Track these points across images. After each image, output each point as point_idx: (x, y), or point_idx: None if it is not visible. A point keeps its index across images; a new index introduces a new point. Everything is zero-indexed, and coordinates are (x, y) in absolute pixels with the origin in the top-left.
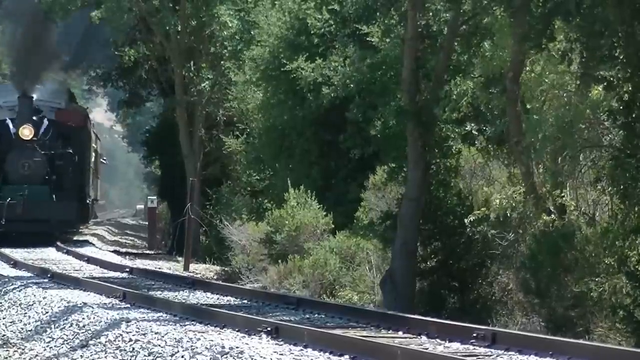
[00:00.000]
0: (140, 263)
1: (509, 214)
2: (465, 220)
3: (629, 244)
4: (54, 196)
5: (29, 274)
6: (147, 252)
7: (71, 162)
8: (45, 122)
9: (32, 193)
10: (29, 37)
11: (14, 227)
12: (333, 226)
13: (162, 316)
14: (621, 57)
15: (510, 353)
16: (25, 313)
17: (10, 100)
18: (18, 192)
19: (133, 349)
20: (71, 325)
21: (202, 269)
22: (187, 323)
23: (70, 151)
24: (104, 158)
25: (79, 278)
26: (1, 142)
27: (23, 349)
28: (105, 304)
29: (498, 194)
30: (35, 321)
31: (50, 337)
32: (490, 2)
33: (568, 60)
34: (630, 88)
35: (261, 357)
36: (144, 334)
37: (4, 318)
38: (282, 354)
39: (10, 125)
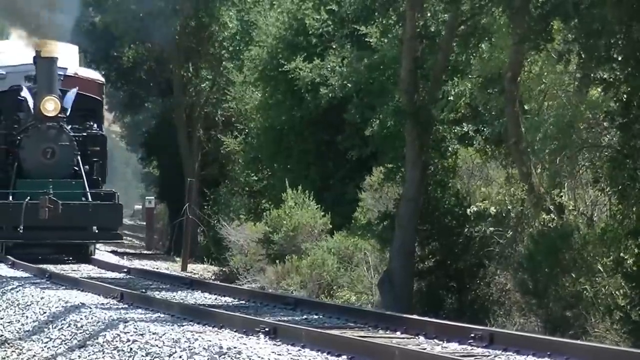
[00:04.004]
0: (138, 263)
1: (509, 208)
2: (468, 211)
3: (627, 244)
4: (89, 194)
5: (27, 274)
6: (145, 252)
7: (105, 148)
8: (74, 91)
9: (61, 190)
10: None
11: (36, 236)
12: (331, 226)
13: (160, 316)
14: (619, 58)
15: (508, 353)
16: (23, 313)
17: (24, 62)
18: (40, 188)
19: (131, 349)
20: (69, 325)
21: (200, 269)
22: (185, 323)
23: (104, 132)
24: None
25: (77, 278)
26: (13, 119)
27: (21, 349)
28: (103, 304)
29: (499, 189)
30: (33, 321)
31: (48, 337)
32: (489, 2)
33: (565, 61)
34: (628, 89)
35: (259, 357)
36: (141, 334)
37: (1, 318)
38: (280, 354)
39: (29, 97)
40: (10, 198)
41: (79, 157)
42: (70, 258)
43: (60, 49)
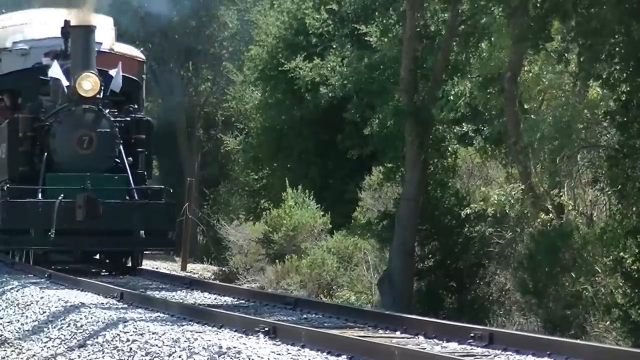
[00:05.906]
0: None
1: (507, 211)
2: (462, 213)
3: (626, 244)
4: (134, 192)
5: (27, 274)
6: (145, 251)
7: (152, 136)
8: (119, 72)
9: (101, 187)
10: None
11: (69, 242)
12: (331, 226)
13: (159, 316)
14: (619, 57)
15: (507, 353)
16: (23, 313)
17: (51, 36)
18: (76, 184)
19: (130, 349)
20: (69, 325)
21: (199, 269)
22: (184, 323)
23: (149, 119)
24: None
25: (77, 278)
26: (40, 101)
27: (20, 349)
28: (102, 303)
29: (497, 190)
30: (33, 321)
31: (47, 337)
32: (488, 2)
33: (565, 61)
34: (627, 88)
35: (259, 357)
36: (141, 334)
37: (1, 318)
38: (279, 354)
39: (61, 74)
40: (40, 196)
41: (121, 147)
42: (113, 272)
43: (94, 21)
